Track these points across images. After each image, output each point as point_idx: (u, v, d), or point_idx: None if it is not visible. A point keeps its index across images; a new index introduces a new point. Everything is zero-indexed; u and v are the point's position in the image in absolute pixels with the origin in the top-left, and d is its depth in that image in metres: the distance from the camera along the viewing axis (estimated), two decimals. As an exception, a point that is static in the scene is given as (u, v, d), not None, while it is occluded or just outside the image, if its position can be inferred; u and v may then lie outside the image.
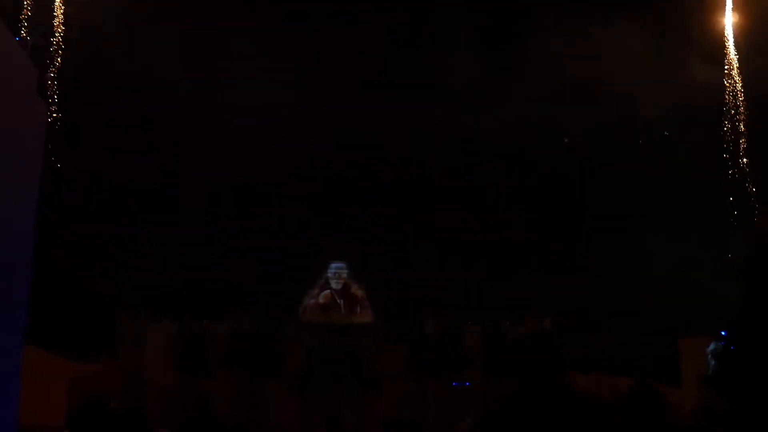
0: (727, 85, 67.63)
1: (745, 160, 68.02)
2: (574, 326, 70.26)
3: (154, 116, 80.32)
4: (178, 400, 63.67)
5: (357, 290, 76.03)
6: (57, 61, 59.45)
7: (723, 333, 52.99)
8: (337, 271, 76.19)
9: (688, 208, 73.24)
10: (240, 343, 66.32)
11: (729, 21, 65.98)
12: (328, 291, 71.55)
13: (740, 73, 67.46)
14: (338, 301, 72.48)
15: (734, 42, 66.72)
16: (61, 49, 60.31)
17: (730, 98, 67.74)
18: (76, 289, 67.96)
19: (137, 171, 78.89)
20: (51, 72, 59.39)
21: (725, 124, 68.27)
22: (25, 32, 54.89)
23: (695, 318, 70.81)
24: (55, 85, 60.26)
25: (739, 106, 67.01)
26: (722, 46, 67.49)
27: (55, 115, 58.34)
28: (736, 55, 66.44)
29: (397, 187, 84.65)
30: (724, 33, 66.22)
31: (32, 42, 53.07)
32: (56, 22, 59.26)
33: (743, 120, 67.51)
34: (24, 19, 55.90)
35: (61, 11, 59.06)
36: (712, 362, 53.31)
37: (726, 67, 67.77)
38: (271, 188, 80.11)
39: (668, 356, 70.84)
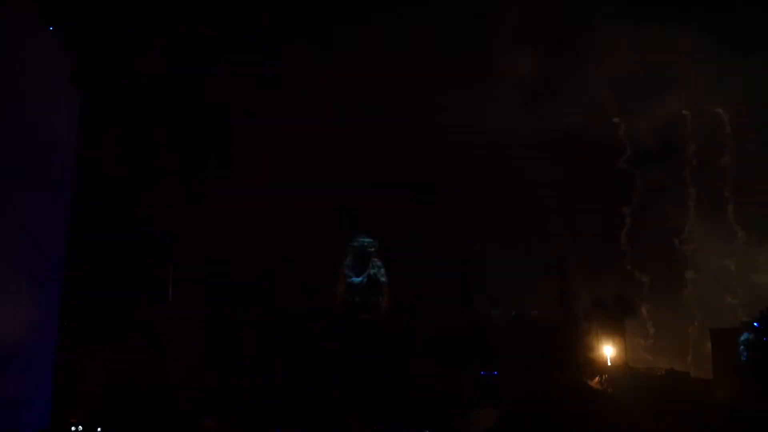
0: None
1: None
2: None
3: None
4: (208, 387, 64.52)
5: (381, 277, 76.32)
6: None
7: (756, 324, 52.80)
8: (364, 243, 76.21)
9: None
10: (271, 330, 67.01)
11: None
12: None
13: None
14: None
15: None
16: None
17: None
18: (107, 275, 69.01)
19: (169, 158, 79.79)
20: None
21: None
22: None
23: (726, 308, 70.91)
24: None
25: None
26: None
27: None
28: None
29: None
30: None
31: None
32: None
33: None
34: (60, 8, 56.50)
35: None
36: (745, 353, 53.14)
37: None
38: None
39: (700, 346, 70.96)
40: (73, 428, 43.96)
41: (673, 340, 74.04)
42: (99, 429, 43.51)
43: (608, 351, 70.13)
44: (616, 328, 68.59)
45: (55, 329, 20.16)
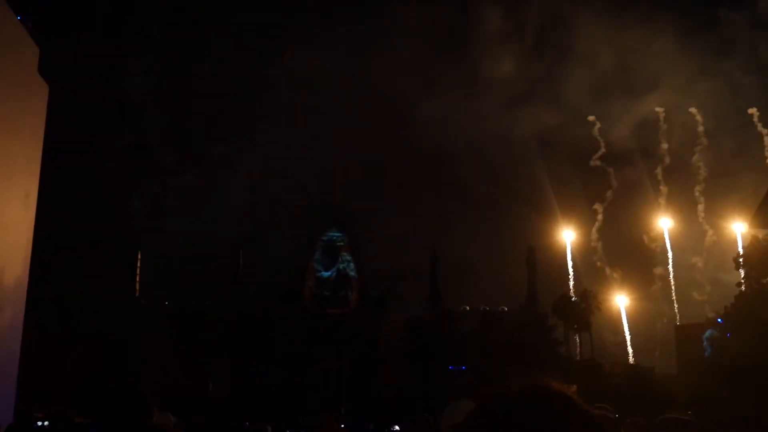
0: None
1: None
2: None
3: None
4: (175, 380, 63.93)
5: (350, 272, 76.77)
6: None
7: (719, 320, 53.41)
8: (333, 238, 76.58)
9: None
10: (238, 323, 66.62)
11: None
12: None
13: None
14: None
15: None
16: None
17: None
18: (75, 270, 68.28)
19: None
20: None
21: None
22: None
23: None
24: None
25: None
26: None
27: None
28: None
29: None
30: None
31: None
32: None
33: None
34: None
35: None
36: (708, 349, 53.71)
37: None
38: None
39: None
40: (39, 423, 43.53)
41: (642, 335, 74.89)
42: (63, 424, 42.99)
43: (575, 346, 70.75)
44: (582, 323, 69.20)
45: (20, 326, 19.88)
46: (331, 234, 77.39)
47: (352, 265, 76.32)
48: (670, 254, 77.59)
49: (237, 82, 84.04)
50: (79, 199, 72.07)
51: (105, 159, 78.34)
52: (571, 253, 79.41)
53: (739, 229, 75.09)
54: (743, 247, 53.53)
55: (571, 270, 77.99)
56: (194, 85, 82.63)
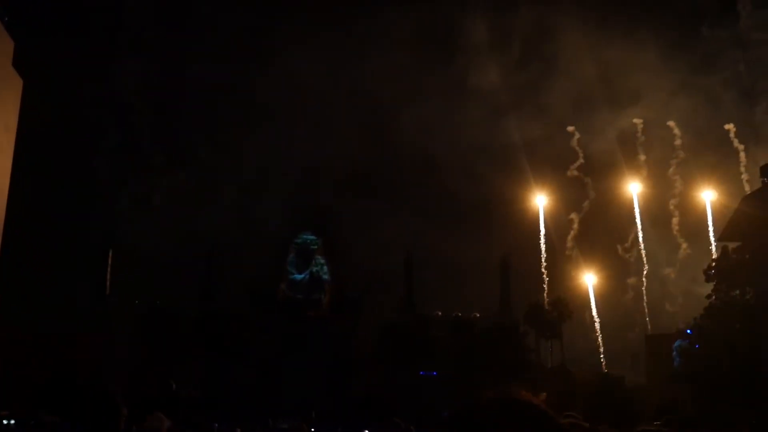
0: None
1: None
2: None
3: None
4: (142, 380, 63.33)
5: (324, 275, 76.77)
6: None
7: (688, 331, 54.01)
8: (307, 241, 76.60)
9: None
10: (209, 325, 66.20)
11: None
12: None
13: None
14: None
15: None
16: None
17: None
18: (47, 268, 67.62)
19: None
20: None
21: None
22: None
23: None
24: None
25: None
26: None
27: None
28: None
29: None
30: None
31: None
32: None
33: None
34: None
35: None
36: (677, 359, 54.26)
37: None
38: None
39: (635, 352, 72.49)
40: (4, 421, 42.87)
41: (613, 344, 75.49)
42: (32, 422, 42.43)
43: (547, 353, 71.16)
44: (553, 331, 69.64)
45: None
46: (306, 237, 77.31)
47: (325, 268, 76.20)
48: (645, 267, 78.52)
49: (223, 83, 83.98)
50: (51, 195, 71.40)
51: (81, 155, 77.74)
52: (546, 261, 80.00)
53: (708, 197, 77.24)
54: (714, 260, 54.15)
55: (545, 278, 78.59)
56: (177, 84, 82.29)
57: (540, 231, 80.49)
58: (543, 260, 79.70)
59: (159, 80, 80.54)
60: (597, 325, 76.69)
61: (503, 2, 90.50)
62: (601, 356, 75.01)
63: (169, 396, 56.84)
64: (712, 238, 71.19)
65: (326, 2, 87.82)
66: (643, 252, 78.71)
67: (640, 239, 78.92)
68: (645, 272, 78.47)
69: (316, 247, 76.52)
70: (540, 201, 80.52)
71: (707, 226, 74.09)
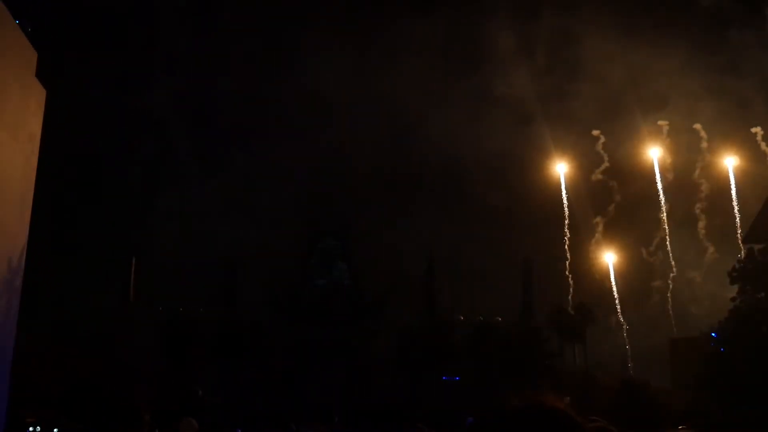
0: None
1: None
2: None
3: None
4: (166, 386, 63.70)
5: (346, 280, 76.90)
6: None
7: (714, 335, 53.28)
8: (329, 246, 76.78)
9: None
10: (231, 331, 66.41)
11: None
12: None
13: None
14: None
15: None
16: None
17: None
18: (73, 276, 68.14)
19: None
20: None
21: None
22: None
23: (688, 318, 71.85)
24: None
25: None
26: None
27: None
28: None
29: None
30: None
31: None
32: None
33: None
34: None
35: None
36: (703, 363, 53.58)
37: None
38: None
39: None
40: (30, 428, 43.20)
41: (638, 348, 74.81)
42: (56, 429, 42.72)
43: (570, 358, 70.63)
44: (577, 335, 69.16)
45: (13, 330, 19.71)
46: (328, 242, 77.50)
47: (347, 273, 76.35)
48: (673, 270, 77.89)
49: (245, 91, 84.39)
50: (75, 203, 72.03)
51: (103, 164, 78.36)
52: (570, 266, 79.62)
53: (730, 163, 76.60)
54: (739, 261, 53.47)
55: (570, 282, 78.23)
56: (197, 93, 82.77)
57: (564, 234, 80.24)
58: (567, 264, 79.35)
59: (176, 86, 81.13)
60: (624, 329, 76.19)
61: (527, 10, 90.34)
62: (630, 362, 74.43)
63: (195, 402, 57.30)
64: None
65: (352, 11, 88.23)
66: (670, 255, 78.15)
67: (668, 242, 78.40)
68: (672, 275, 77.90)
69: (338, 252, 76.69)
70: (564, 202, 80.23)
71: (735, 229, 73.49)
